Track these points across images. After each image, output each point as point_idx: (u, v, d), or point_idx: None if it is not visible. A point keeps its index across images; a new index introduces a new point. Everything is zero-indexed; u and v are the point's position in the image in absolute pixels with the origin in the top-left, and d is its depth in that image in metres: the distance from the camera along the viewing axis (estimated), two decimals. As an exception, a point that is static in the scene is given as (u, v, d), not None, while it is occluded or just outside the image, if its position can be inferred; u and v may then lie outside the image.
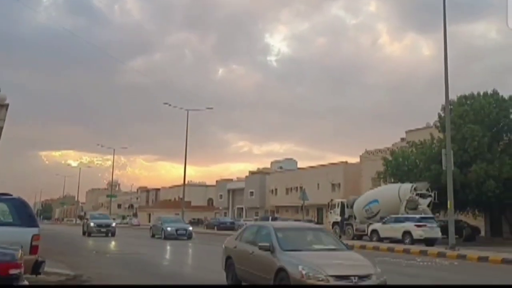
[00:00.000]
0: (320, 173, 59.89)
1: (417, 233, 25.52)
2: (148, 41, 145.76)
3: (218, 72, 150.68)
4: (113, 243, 26.99)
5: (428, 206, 29.48)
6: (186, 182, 58.98)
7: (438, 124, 34.75)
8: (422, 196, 29.58)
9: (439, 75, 24.10)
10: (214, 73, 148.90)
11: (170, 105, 51.91)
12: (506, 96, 33.61)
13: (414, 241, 25.18)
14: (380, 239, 27.39)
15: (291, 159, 79.68)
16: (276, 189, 69.00)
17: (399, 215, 28.23)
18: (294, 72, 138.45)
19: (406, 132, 48.95)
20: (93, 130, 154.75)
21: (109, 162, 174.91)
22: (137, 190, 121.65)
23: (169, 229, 30.81)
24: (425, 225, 25.89)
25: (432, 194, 29.57)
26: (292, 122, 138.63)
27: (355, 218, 33.09)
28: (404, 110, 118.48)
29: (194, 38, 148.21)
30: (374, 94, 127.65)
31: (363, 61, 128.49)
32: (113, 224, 33.87)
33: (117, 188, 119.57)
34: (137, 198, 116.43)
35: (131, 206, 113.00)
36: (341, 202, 35.84)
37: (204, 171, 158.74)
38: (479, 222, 36.82)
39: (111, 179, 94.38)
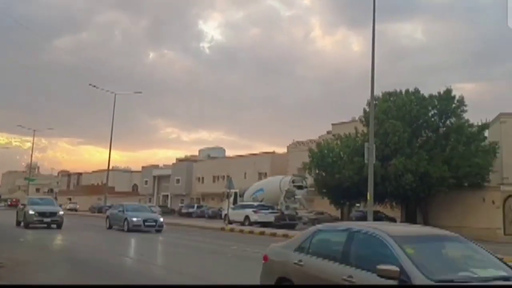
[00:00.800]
0: (247, 162, 60.24)
1: (254, 217, 32.45)
2: (76, 19, 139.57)
3: (149, 56, 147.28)
4: (63, 240, 19.63)
5: (304, 196, 35.89)
6: (110, 167, 57.37)
7: (363, 118, 35.87)
8: (299, 187, 34.87)
9: (367, 71, 25.22)
10: (144, 56, 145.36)
11: (97, 87, 50.13)
12: (426, 95, 35.27)
13: (252, 223, 31.81)
14: (251, 224, 32.06)
15: (219, 147, 79.55)
16: (203, 177, 68.69)
17: (244, 203, 36.01)
18: (227, 60, 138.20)
19: (333, 125, 50.26)
20: (13, 110, 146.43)
21: (29, 144, 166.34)
22: (58, 174, 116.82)
23: (134, 219, 24.63)
24: (260, 212, 32.79)
25: (306, 186, 36.09)
26: (222, 111, 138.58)
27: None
28: (333, 103, 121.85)
29: (125, 19, 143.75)
30: (305, 86, 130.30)
31: (296, 53, 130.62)
32: (61, 213, 25.36)
33: (36, 171, 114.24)
34: (57, 182, 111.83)
35: (51, 190, 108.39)
36: (235, 192, 38.25)
37: (130, 157, 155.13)
38: (395, 213, 38.57)
39: (30, 162, 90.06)
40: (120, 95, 50.76)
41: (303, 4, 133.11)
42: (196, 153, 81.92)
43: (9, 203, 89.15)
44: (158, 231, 24.99)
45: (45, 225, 24.83)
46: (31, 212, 24.47)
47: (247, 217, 32.68)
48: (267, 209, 33.57)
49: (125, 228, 24.73)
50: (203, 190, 68.01)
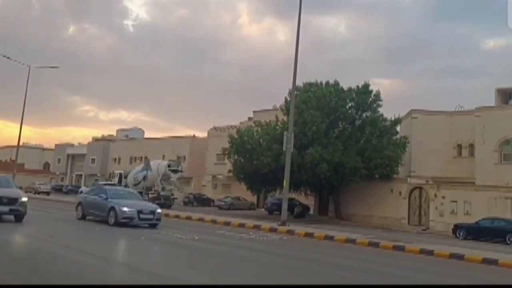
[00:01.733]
0: (166, 144, 59.28)
1: None
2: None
3: (68, 30, 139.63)
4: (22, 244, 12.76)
5: (178, 179, 38.72)
6: (21, 143, 54.15)
7: (284, 107, 36.37)
8: (174, 171, 38.07)
9: (291, 61, 25.37)
10: (64, 30, 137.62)
11: (10, 58, 46.88)
12: (345, 87, 36.37)
13: None
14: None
15: (138, 128, 77.69)
16: (119, 158, 66.81)
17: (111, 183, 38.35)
18: (151, 40, 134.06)
19: (254, 112, 50.59)
20: None
21: None
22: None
23: (126, 209, 17.46)
24: None
25: (181, 170, 38.89)
26: (143, 91, 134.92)
27: (127, 186, 37.48)
28: (256, 90, 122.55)
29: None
30: (229, 72, 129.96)
31: (222, 38, 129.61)
32: (24, 199, 16.19)
33: None
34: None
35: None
36: (120, 173, 43.34)
37: (43, 134, 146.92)
38: (310, 201, 39.74)
39: None
40: (36, 68, 47.91)
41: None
42: (114, 133, 79.52)
43: None
44: (153, 225, 18.06)
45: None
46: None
47: None
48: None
49: (111, 220, 17.55)
50: (119, 170, 66.09)
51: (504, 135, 34.66)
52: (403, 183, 35.72)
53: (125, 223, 17.35)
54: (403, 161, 36.88)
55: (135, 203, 18.62)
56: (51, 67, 49.69)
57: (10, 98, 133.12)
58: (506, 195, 29.88)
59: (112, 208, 17.71)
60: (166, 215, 26.28)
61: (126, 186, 37.41)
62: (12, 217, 16.13)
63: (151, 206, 19.35)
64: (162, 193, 36.59)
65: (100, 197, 19.04)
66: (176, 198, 38.87)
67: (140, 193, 31.75)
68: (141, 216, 17.79)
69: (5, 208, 15.63)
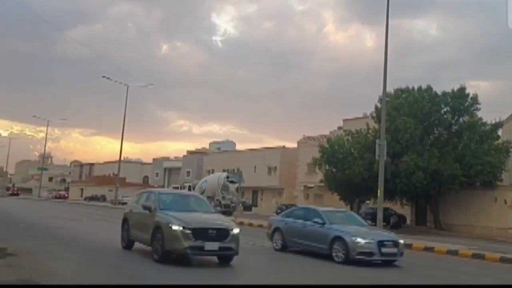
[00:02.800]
0: (257, 156, 60.19)
1: None
2: (90, 11, 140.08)
3: (161, 49, 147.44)
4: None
5: (236, 190, 40.05)
6: (122, 158, 57.76)
7: (375, 114, 35.60)
8: (232, 182, 40.89)
9: (379, 67, 25.15)
10: (157, 49, 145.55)
11: (110, 79, 50.46)
12: (439, 92, 34.92)
13: None
14: None
15: (229, 141, 79.69)
16: (213, 170, 68.68)
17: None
18: (239, 53, 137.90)
19: (344, 121, 50.05)
20: (27, 100, 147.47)
21: (42, 134, 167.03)
22: (70, 164, 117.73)
23: (361, 241, 12.62)
24: None
25: (238, 182, 37.64)
26: (233, 104, 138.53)
27: None
28: (344, 99, 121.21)
29: (139, 11, 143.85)
30: (316, 81, 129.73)
31: (308, 47, 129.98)
32: (236, 230, 11.00)
33: (49, 161, 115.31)
34: (69, 173, 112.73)
35: (63, 180, 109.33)
36: (189, 185, 47.96)
37: (141, 148, 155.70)
38: (406, 210, 38.38)
39: (43, 152, 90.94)
40: (133, 87, 51.07)
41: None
42: (207, 146, 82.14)
43: (10, 191, 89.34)
44: (391, 262, 13.13)
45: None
46: (175, 227, 10.44)
47: None
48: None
49: (338, 256, 12.80)
50: (188, 183, 68.19)
51: None
52: (508, 190, 33.41)
53: (360, 260, 12.48)
54: (507, 167, 34.53)
55: (367, 231, 14.00)
56: (147, 85, 52.65)
57: (112, 116, 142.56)
58: None
59: (339, 239, 12.90)
60: (260, 225, 26.80)
61: None
62: (214, 258, 11.29)
63: (391, 235, 14.39)
64: (222, 202, 40.50)
65: (313, 222, 13.98)
66: (235, 206, 40.43)
67: None
68: (383, 250, 12.79)
69: (213, 245, 10.51)
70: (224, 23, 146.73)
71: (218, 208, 33.97)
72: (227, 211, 36.76)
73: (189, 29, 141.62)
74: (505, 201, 32.69)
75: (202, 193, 39.19)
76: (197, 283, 8.80)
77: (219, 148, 74.84)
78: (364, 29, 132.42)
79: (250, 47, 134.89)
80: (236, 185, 40.04)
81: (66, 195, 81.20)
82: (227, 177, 42.09)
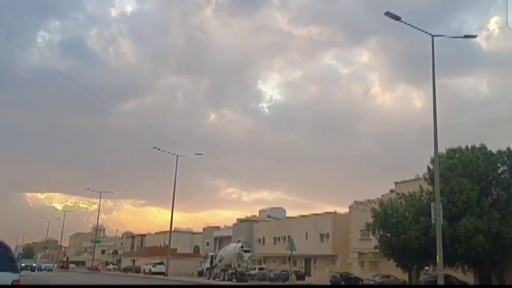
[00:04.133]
0: (308, 222, 59.16)
1: None
2: (141, 84, 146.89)
3: (209, 117, 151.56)
4: None
5: (249, 258, 46.59)
6: (172, 228, 58.14)
7: (427, 176, 34.71)
8: (246, 251, 45.80)
9: (429, 127, 24.87)
10: (205, 118, 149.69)
11: (159, 149, 51.97)
12: (494, 150, 33.81)
13: None
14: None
15: (279, 207, 79.10)
16: (263, 238, 68.00)
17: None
18: (285, 119, 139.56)
19: (396, 184, 48.83)
20: (81, 173, 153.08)
21: (95, 206, 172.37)
22: (122, 235, 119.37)
23: None
24: None
25: (252, 251, 47.95)
26: (282, 170, 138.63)
27: (215, 265, 48.59)
28: (395, 160, 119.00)
29: (187, 82, 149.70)
30: (365, 144, 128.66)
31: (355, 110, 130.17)
32: None
33: (101, 233, 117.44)
34: (122, 244, 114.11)
35: (116, 252, 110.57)
36: (211, 254, 52.52)
37: (191, 218, 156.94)
38: (468, 277, 36.18)
39: (96, 224, 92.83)
40: (182, 157, 52.19)
41: (361, 62, 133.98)
42: (257, 213, 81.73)
43: (60, 264, 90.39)
44: None
45: None
46: None
47: None
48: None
49: None
50: (264, 251, 67.12)
51: None
52: None
53: None
54: None
55: None
56: (196, 154, 53.73)
57: (162, 186, 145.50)
58: None
59: None
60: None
61: (215, 265, 48.62)
62: None
63: None
64: (238, 269, 44.38)
65: None
66: (250, 274, 46.71)
67: (223, 270, 45.80)
68: None
69: None
70: (270, 90, 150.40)
71: (234, 276, 43.34)
72: (242, 278, 43.27)
73: (236, 97, 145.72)
74: None
75: (220, 261, 47.68)
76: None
77: (269, 216, 74.26)
78: (411, 89, 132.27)
79: (296, 111, 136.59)
80: (249, 254, 46.56)
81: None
82: (242, 246, 46.93)
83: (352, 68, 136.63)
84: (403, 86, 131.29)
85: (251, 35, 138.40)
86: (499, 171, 33.23)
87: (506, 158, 33.16)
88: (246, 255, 45.66)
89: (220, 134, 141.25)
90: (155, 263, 65.63)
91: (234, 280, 42.83)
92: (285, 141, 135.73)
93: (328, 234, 56.45)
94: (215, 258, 49.74)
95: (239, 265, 44.82)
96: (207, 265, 51.72)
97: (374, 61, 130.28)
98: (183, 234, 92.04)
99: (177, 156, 50.67)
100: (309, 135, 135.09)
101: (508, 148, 33.33)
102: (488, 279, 35.34)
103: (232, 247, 48.07)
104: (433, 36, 24.32)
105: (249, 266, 46.87)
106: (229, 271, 44.89)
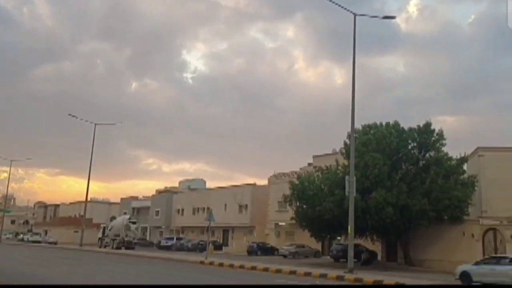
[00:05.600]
0: (228, 194, 59.72)
1: None
2: (58, 48, 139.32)
3: (131, 86, 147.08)
4: None
5: (136, 228, 51.87)
6: (89, 198, 56.45)
7: (344, 151, 35.93)
8: (133, 223, 50.89)
9: (349, 103, 25.71)
10: (127, 86, 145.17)
11: (76, 117, 49.84)
12: (406, 128, 35.57)
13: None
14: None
15: (199, 179, 79.03)
16: (182, 209, 67.84)
17: None
18: (209, 90, 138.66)
19: (314, 157, 50.27)
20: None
21: (5, 175, 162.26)
22: (34, 205, 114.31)
23: None
24: None
25: (138, 222, 53.87)
26: (204, 141, 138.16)
27: (107, 235, 52.15)
28: (315, 135, 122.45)
29: (109, 48, 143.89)
30: (287, 118, 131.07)
31: (279, 84, 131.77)
32: None
33: (12, 203, 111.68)
34: (33, 214, 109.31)
35: (26, 222, 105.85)
36: (104, 226, 55.60)
37: (109, 188, 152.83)
38: (376, 247, 38.35)
39: (5, 193, 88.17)
40: (100, 125, 50.35)
41: (287, 36, 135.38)
42: (177, 185, 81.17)
43: None
44: None
45: None
46: None
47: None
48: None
49: None
50: (182, 222, 67.08)
51: None
52: (475, 224, 33.88)
53: None
54: (473, 201, 35.11)
55: None
56: (115, 123, 52.08)
57: (78, 155, 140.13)
58: None
59: None
60: (231, 265, 26.29)
61: (106, 235, 52.02)
62: None
63: None
64: (126, 239, 48.89)
65: None
66: (136, 243, 51.79)
67: (113, 239, 49.56)
68: None
69: None
70: (195, 60, 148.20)
71: (121, 245, 47.72)
72: (130, 246, 47.76)
73: (159, 67, 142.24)
74: (473, 235, 33.08)
75: (110, 230, 51.90)
76: None
77: (189, 187, 73.99)
78: (334, 66, 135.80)
79: (221, 83, 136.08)
80: (136, 225, 51.73)
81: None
82: (129, 218, 52.25)
83: (278, 43, 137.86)
84: (326, 62, 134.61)
85: (177, 3, 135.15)
86: (409, 147, 35.02)
87: (416, 135, 34.99)
88: (133, 226, 50.67)
89: (142, 103, 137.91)
90: (32, 233, 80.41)
91: (123, 248, 46.81)
92: (209, 113, 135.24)
93: (246, 205, 57.32)
94: (107, 228, 53.52)
95: (126, 235, 49.49)
96: (100, 235, 55.07)
97: (299, 37, 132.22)
98: (99, 204, 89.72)
99: (95, 124, 48.81)
100: (233, 107, 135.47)
101: (419, 126, 35.14)
102: (394, 248, 37.67)
103: (121, 219, 52.48)
104: (355, 15, 24.88)
105: (135, 236, 52.47)
106: (117, 240, 49.06)
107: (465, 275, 20.66)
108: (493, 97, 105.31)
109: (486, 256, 27.39)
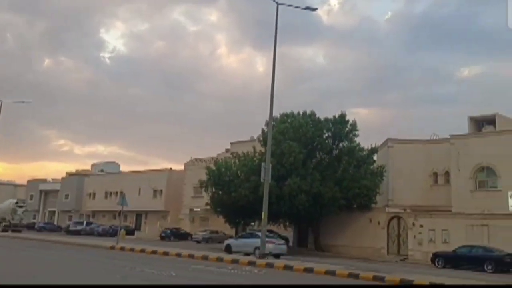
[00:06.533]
0: (143, 178, 58.42)
1: None
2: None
3: (43, 63, 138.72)
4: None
5: (23, 212, 53.60)
6: (-10, 179, 53.10)
7: (261, 138, 36.28)
8: (20, 207, 53.04)
9: (269, 91, 26.07)
10: (38, 63, 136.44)
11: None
12: (322, 118, 36.55)
13: None
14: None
15: (114, 162, 76.59)
16: (94, 193, 65.53)
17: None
18: (129, 72, 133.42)
19: (231, 144, 50.34)
20: None
21: None
22: None
23: None
24: None
25: (25, 206, 56.39)
26: (121, 124, 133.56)
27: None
28: (235, 122, 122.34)
29: (20, 22, 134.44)
30: (208, 103, 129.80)
31: (200, 69, 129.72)
32: None
33: None
34: None
35: None
36: None
37: (15, 169, 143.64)
38: (289, 233, 39.24)
39: None
40: (8, 103, 47.12)
41: (210, 21, 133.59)
42: (89, 168, 78.20)
43: None
44: None
45: None
46: None
47: None
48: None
49: None
50: (93, 206, 64.84)
51: (478, 162, 35.05)
52: (382, 212, 35.66)
53: None
54: (381, 190, 36.90)
55: None
56: (24, 101, 48.89)
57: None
58: (483, 222, 29.97)
59: None
60: (143, 250, 25.70)
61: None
62: None
63: None
64: (12, 222, 50.20)
65: None
66: (24, 226, 53.41)
67: None
68: None
69: None
70: (114, 40, 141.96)
71: (8, 228, 48.35)
72: (16, 229, 48.24)
73: (75, 44, 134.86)
74: (379, 223, 34.77)
75: None
76: None
77: (102, 170, 71.49)
78: (255, 54, 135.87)
79: (141, 66, 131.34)
80: (23, 209, 53.93)
81: None
82: (17, 202, 54.05)
83: (200, 27, 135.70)
84: (249, 49, 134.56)
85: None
86: (324, 137, 36.07)
87: (331, 125, 36.08)
88: (20, 210, 52.59)
89: (55, 82, 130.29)
90: None
91: (10, 231, 46.94)
92: (127, 95, 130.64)
93: (161, 190, 56.48)
94: None
95: (13, 218, 51.25)
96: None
97: (223, 22, 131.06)
98: (3, 186, 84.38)
99: (1, 101, 45.56)
100: (152, 90, 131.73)
101: (334, 117, 36.25)
102: (305, 234, 38.77)
103: (8, 203, 53.71)
104: (277, 3, 24.96)
105: (22, 220, 54.17)
106: (4, 224, 50.53)
107: (228, 246, 27.95)
108: (404, 91, 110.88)
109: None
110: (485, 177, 35.46)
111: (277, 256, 24.27)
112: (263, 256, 21.92)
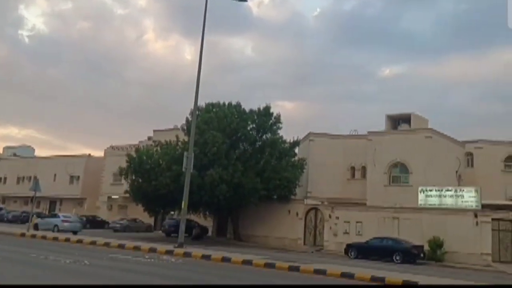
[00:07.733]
0: (59, 163, 56.03)
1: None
2: None
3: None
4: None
5: None
6: None
7: (185, 127, 35.93)
8: None
9: (195, 80, 25.81)
10: None
11: None
12: (247, 109, 36.79)
13: None
14: None
15: (28, 146, 72.85)
16: (5, 177, 62.06)
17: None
18: (49, 53, 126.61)
19: (154, 131, 49.49)
20: None
21: None
22: None
23: None
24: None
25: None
26: (37, 106, 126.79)
27: None
28: (159, 109, 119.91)
29: None
30: (132, 89, 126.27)
31: (126, 54, 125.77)
32: None
33: None
34: None
35: None
36: None
37: None
38: (208, 222, 39.33)
39: None
40: None
41: (138, 5, 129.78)
42: (1, 151, 73.92)
43: None
44: None
45: None
46: None
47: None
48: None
49: None
50: (4, 191, 61.38)
51: (393, 158, 36.93)
52: (300, 204, 36.56)
53: None
54: (300, 182, 37.83)
55: None
56: None
57: None
58: (394, 215, 31.58)
59: None
60: (55, 238, 24.73)
61: None
62: None
63: None
64: None
65: None
66: None
67: None
68: None
69: None
70: (34, 17, 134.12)
71: None
72: None
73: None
74: (297, 214, 35.64)
75: None
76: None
77: (14, 154, 67.79)
78: (184, 41, 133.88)
79: (62, 46, 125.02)
80: None
81: None
82: None
83: (128, 10, 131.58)
84: (177, 36, 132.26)
85: None
86: (249, 128, 36.29)
87: (255, 117, 36.38)
88: None
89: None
90: None
91: None
92: (46, 76, 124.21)
93: (79, 176, 54.53)
94: None
95: None
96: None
97: (151, 7, 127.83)
98: None
99: None
100: (74, 73, 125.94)
101: (259, 109, 36.59)
102: (224, 224, 39.00)
103: None
104: (208, -9, 24.76)
105: None
106: None
107: (36, 225, 33.84)
108: (328, 86, 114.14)
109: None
110: (398, 172, 37.44)
111: (74, 233, 31.59)
112: (181, 244, 21.80)
